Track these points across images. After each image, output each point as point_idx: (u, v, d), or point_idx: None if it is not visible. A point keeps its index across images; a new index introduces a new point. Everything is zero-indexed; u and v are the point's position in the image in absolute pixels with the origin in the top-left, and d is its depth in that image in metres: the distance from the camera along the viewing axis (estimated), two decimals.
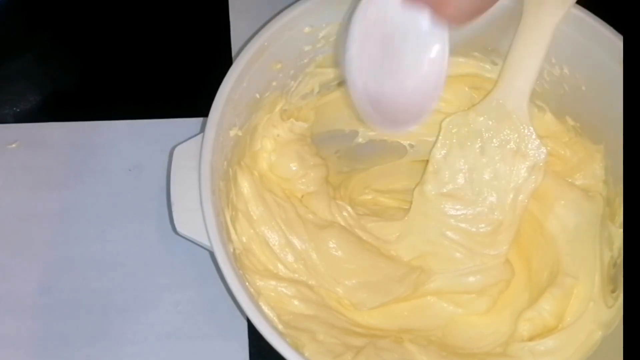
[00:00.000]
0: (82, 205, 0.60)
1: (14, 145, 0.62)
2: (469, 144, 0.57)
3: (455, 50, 0.58)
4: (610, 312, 0.53)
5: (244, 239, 0.53)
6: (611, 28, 0.54)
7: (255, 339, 0.57)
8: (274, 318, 0.50)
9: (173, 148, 0.51)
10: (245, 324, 0.57)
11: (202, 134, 0.50)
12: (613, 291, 0.55)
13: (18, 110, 0.63)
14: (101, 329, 0.56)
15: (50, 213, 0.60)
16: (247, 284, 0.48)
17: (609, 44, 0.53)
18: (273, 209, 0.54)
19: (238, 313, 0.57)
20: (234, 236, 0.51)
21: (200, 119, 0.63)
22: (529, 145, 0.56)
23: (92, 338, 0.56)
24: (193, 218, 0.48)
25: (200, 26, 0.68)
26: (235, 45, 0.67)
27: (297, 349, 0.48)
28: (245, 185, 0.54)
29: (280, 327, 0.50)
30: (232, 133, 0.52)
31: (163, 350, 0.56)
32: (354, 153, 0.63)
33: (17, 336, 0.55)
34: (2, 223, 0.59)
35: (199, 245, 0.49)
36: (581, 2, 0.54)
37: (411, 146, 0.63)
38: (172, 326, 0.57)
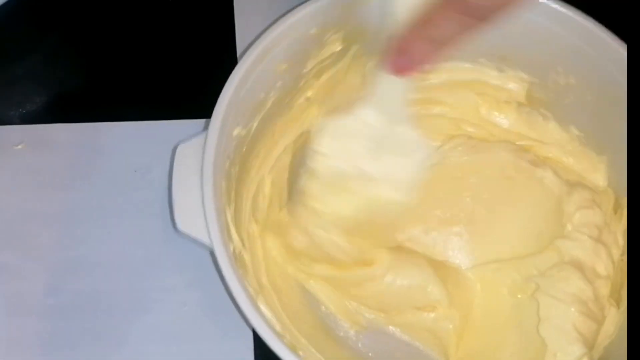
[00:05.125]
0: (88, 206, 0.60)
1: (20, 147, 0.62)
2: None
3: (462, 56, 0.58)
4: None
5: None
6: (621, 40, 0.53)
7: (261, 339, 0.56)
8: (272, 318, 0.50)
9: (176, 146, 0.51)
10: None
11: (205, 133, 0.50)
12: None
13: (24, 111, 0.64)
14: (107, 329, 0.56)
15: (56, 214, 0.60)
16: (246, 282, 0.48)
17: (617, 56, 0.53)
18: None
19: None
20: (234, 235, 0.51)
21: (206, 120, 0.63)
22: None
23: (98, 339, 0.56)
24: (194, 216, 0.48)
25: (205, 27, 0.68)
26: (240, 46, 0.67)
27: (295, 350, 0.48)
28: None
29: (277, 327, 0.49)
30: (235, 133, 0.52)
31: (169, 350, 0.56)
32: None
33: (23, 337, 0.55)
34: (8, 224, 0.59)
35: (199, 243, 0.48)
36: (590, 12, 0.54)
37: None
38: (177, 326, 0.57)
